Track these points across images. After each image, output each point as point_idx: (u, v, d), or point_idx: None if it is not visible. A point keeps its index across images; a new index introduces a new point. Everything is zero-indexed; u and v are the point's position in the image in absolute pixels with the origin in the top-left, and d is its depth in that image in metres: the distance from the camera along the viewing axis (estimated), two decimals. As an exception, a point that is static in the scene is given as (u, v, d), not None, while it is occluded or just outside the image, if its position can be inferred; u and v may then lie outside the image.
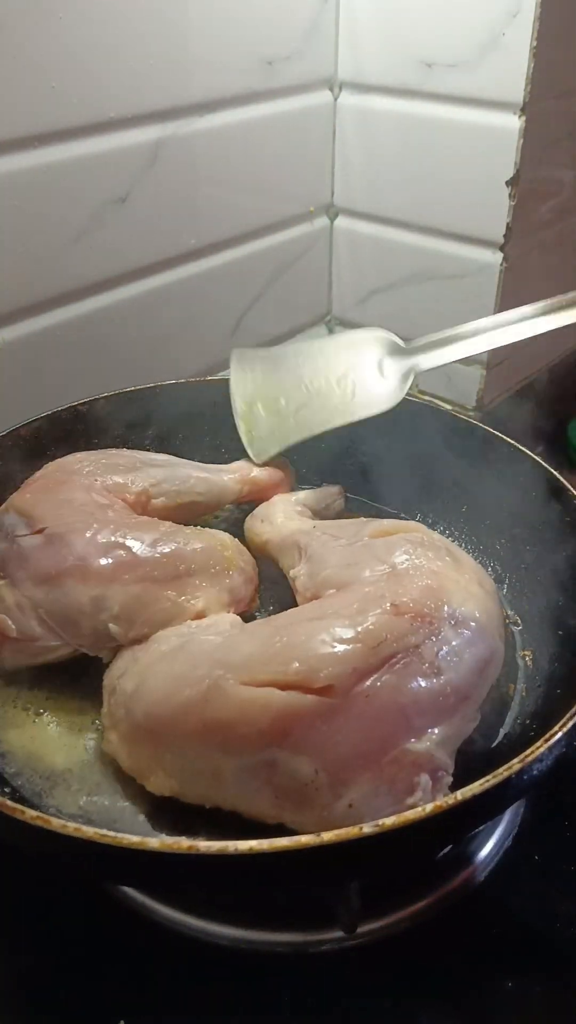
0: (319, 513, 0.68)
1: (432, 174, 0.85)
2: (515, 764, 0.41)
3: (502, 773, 0.41)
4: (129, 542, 0.55)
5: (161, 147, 0.75)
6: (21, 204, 0.68)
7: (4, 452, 0.66)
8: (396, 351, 0.66)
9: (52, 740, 0.54)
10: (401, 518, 0.72)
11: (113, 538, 0.55)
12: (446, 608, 0.49)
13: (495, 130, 0.78)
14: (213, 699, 0.46)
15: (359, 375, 0.66)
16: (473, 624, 0.50)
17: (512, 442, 0.66)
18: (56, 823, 0.39)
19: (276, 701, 0.45)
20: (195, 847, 0.38)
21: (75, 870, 0.50)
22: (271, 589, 0.62)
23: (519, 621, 0.62)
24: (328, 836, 0.38)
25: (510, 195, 0.80)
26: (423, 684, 0.46)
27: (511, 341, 0.63)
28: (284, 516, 0.65)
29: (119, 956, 0.50)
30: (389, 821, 0.38)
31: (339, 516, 0.69)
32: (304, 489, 0.70)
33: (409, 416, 0.71)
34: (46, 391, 0.72)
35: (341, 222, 0.95)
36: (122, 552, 0.54)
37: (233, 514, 0.71)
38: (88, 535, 0.54)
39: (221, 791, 0.47)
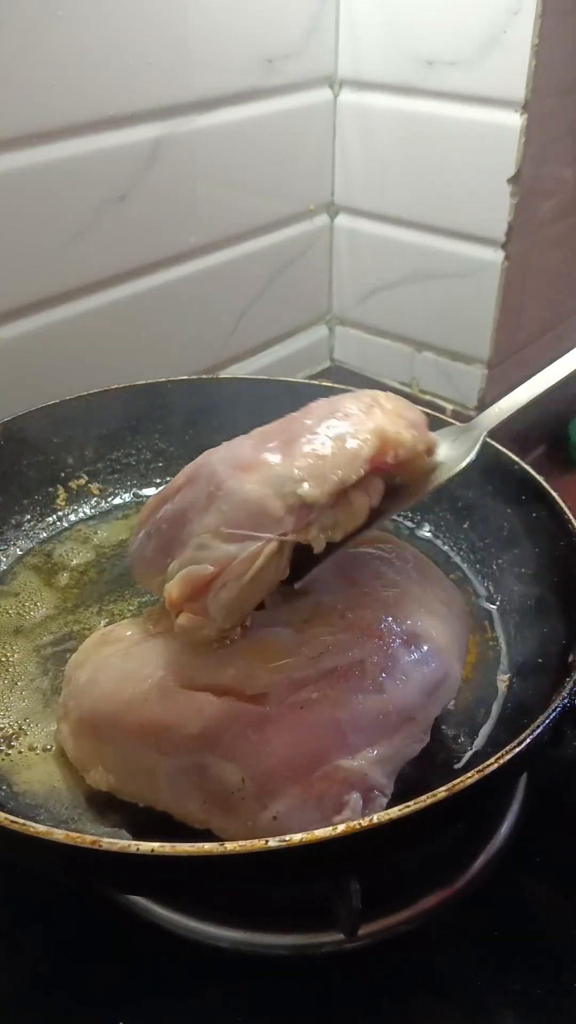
0: None
1: (433, 172, 0.85)
2: (440, 792, 0.40)
3: (424, 800, 0.39)
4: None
5: (161, 145, 0.75)
6: (20, 202, 0.68)
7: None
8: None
9: (71, 772, 0.51)
10: (405, 526, 0.71)
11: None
12: (399, 625, 0.48)
13: (496, 128, 0.78)
14: (153, 699, 0.46)
15: None
16: (428, 644, 0.48)
17: (518, 460, 0.64)
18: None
19: (209, 706, 0.45)
20: (98, 842, 0.37)
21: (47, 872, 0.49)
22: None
23: (502, 645, 0.61)
24: (231, 846, 0.37)
25: (511, 193, 0.80)
26: (363, 700, 0.45)
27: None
28: None
29: (119, 957, 0.50)
30: (296, 838, 0.37)
31: None
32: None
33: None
34: (45, 390, 0.71)
35: (341, 220, 0.95)
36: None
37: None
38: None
39: (155, 791, 0.47)
